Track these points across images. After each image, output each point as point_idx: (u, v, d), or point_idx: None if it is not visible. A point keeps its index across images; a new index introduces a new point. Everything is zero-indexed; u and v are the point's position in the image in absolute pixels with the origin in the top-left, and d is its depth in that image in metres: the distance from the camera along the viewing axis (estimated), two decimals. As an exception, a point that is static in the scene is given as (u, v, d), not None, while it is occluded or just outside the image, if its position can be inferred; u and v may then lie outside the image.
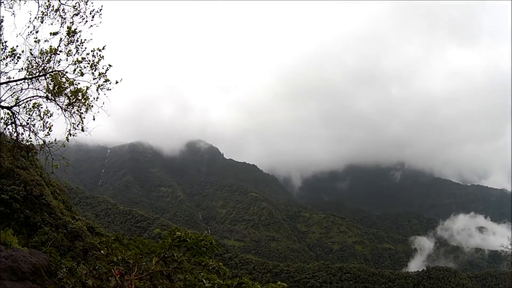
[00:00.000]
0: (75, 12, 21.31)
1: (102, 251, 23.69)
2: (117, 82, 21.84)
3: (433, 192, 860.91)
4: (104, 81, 21.70)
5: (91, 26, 21.50)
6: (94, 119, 22.10)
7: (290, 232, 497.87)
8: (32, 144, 22.81)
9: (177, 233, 21.02)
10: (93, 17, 21.33)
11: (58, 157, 21.94)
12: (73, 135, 22.40)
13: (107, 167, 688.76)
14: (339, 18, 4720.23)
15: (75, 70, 21.42)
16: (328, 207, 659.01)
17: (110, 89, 21.78)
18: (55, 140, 22.53)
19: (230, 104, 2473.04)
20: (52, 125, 22.30)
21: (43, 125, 22.27)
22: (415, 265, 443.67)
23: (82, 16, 21.44)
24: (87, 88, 22.18)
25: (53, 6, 21.41)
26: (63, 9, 21.37)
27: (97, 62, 21.43)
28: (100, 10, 21.52)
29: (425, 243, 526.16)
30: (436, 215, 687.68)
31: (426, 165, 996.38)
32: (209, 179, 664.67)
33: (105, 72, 21.56)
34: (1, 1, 21.29)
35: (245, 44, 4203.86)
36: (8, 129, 22.58)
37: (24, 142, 22.70)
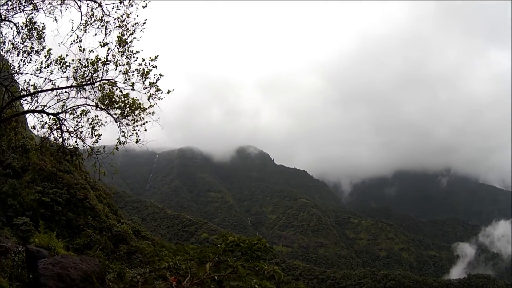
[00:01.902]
0: (118, 24, 21.44)
1: (151, 257, 23.56)
2: (169, 92, 21.81)
3: (477, 198, 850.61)
4: (155, 91, 21.49)
5: (134, 38, 21.59)
6: (146, 130, 22.34)
7: (338, 239, 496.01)
8: (77, 148, 23.13)
9: (230, 237, 20.59)
10: (134, 30, 21.19)
11: (106, 163, 21.66)
12: (123, 144, 22.49)
13: (155, 172, 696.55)
14: (380, 19, 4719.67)
15: (125, 79, 21.48)
16: (377, 214, 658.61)
17: (161, 99, 21.82)
18: (104, 148, 22.70)
19: (280, 108, 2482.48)
20: (101, 134, 22.61)
21: (91, 132, 22.46)
22: (457, 272, 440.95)
23: (126, 28, 21.38)
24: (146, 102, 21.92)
25: (96, 16, 21.64)
26: (107, 21, 21.56)
27: (148, 72, 21.38)
28: (144, 23, 21.29)
29: (467, 250, 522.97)
30: (480, 221, 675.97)
31: (472, 170, 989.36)
32: (259, 184, 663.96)
33: (156, 82, 21.49)
34: (38, 7, 21.26)
35: (293, 47, 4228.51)
36: (53, 134, 22.82)
37: (69, 147, 22.96)
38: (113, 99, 21.61)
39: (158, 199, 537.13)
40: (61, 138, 22.69)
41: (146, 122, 22.17)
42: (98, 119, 22.41)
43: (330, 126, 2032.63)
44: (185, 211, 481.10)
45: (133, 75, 21.41)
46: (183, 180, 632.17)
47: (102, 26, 21.40)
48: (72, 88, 21.87)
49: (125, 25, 21.24)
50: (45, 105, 21.87)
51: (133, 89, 21.59)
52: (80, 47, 21.41)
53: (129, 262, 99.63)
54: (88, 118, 22.43)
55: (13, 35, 22.16)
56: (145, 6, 20.84)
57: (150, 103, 21.58)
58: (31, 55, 22.08)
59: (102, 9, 21.19)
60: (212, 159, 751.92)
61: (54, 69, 21.79)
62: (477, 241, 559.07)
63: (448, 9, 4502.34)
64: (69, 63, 21.59)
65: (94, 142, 22.34)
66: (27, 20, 21.80)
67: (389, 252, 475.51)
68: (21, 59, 22.09)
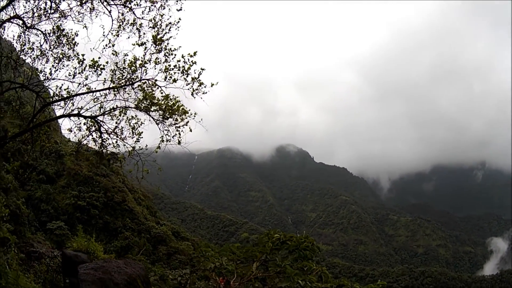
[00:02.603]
0: (152, 25, 21.12)
1: (196, 258, 23.24)
2: (212, 85, 21.32)
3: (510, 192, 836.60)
4: (198, 85, 21.21)
5: (170, 37, 21.16)
6: (191, 130, 21.80)
7: (377, 236, 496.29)
8: (114, 152, 22.89)
9: (276, 235, 20.70)
10: (169, 29, 20.97)
11: (148, 163, 21.74)
12: (166, 144, 22.11)
13: (195, 173, 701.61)
14: (412, 14, 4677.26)
15: (166, 77, 21.15)
16: (415, 210, 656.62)
17: (205, 93, 21.35)
18: (146, 146, 22.29)
19: (317, 106, 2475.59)
20: (142, 132, 22.24)
21: (132, 132, 22.16)
22: (490, 267, 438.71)
23: (161, 28, 21.18)
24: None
25: (127, 20, 21.39)
26: (140, 24, 21.27)
27: (189, 68, 21.03)
28: (178, 22, 21.09)
29: (500, 245, 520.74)
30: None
31: (506, 163, 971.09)
32: (300, 183, 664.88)
33: (198, 77, 21.08)
34: (66, 15, 21.30)
35: (328, 45, 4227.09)
36: (92, 135, 22.57)
37: (110, 148, 22.70)
38: (154, 101, 21.39)
39: (197, 200, 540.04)
40: (100, 139, 22.53)
41: (188, 122, 21.75)
42: (138, 119, 22.23)
43: (368, 123, 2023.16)
44: (225, 211, 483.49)
45: (174, 73, 21.12)
46: (223, 180, 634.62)
47: (136, 29, 21.22)
48: (109, 90, 21.71)
49: (159, 26, 20.97)
50: (81, 108, 21.78)
51: (175, 82, 21.13)
52: (114, 51, 21.18)
53: (168, 264, 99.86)
54: (128, 118, 22.30)
55: (40, 42, 22.20)
56: (180, 9, 20.69)
57: (194, 97, 21.27)
58: (63, 61, 21.91)
59: (133, 12, 21.12)
60: (252, 158, 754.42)
61: (89, 74, 21.59)
62: (510, 236, 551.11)
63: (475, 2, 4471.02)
64: (103, 65, 21.33)
65: (135, 142, 22.10)
66: (55, 27, 21.78)
67: (427, 249, 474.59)
68: (52, 65, 21.90)
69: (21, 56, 22.73)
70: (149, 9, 20.91)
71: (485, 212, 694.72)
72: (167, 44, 20.84)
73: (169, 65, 21.06)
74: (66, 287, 23.95)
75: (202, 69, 20.95)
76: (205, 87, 21.06)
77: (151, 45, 20.88)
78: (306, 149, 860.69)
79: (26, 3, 20.95)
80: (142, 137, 22.02)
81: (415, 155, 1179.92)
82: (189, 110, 21.69)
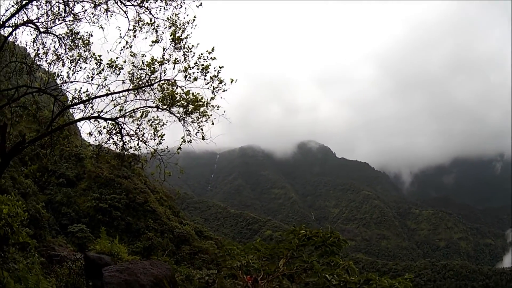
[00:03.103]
0: (169, 25, 20.95)
1: (221, 257, 23.10)
2: (232, 81, 21.08)
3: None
4: (218, 83, 21.04)
5: (187, 36, 20.92)
6: (213, 123, 21.49)
7: (400, 230, 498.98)
8: (135, 154, 22.86)
9: (302, 231, 20.61)
10: (185, 28, 20.83)
11: (170, 164, 21.59)
12: (189, 142, 21.96)
13: (217, 172, 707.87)
14: (427, 6, 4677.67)
15: (186, 77, 20.98)
16: (437, 203, 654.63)
17: (226, 90, 21.16)
18: (167, 148, 22.09)
19: (337, 101, 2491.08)
20: (164, 134, 21.97)
21: (154, 134, 21.98)
22: (509, 259, 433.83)
23: (177, 27, 20.96)
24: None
25: (144, 20, 21.19)
26: (157, 25, 21.09)
27: (208, 66, 20.80)
28: (194, 20, 20.90)
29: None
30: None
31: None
32: (322, 179, 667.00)
33: (218, 74, 20.84)
34: (80, 17, 21.28)
35: (345, 41, 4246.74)
36: (112, 138, 22.50)
37: (131, 150, 22.67)
38: (175, 98, 21.21)
39: (220, 198, 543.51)
40: (121, 142, 22.49)
41: (210, 115, 21.52)
42: (160, 119, 22.06)
43: (388, 117, 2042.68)
44: (249, 209, 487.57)
45: (193, 73, 20.94)
46: (245, 178, 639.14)
47: (153, 29, 21.06)
48: (129, 92, 21.61)
49: (176, 25, 20.76)
50: (101, 111, 21.71)
51: (195, 80, 20.84)
52: (132, 52, 21.07)
53: (192, 263, 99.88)
54: (149, 120, 22.15)
55: (55, 46, 22.14)
56: (200, 5, 20.53)
57: (214, 95, 21.02)
58: (80, 63, 21.82)
59: (150, 12, 20.96)
60: (274, 156, 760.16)
61: (107, 75, 21.47)
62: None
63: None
64: (121, 65, 21.24)
65: (157, 143, 21.87)
66: (69, 30, 21.71)
67: (448, 242, 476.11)
68: (69, 68, 21.82)
69: (35, 61, 22.70)
70: (165, 8, 20.87)
71: (504, 203, 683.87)
72: (186, 42, 20.70)
73: (189, 64, 20.84)
74: (90, 289, 23.98)
75: (221, 67, 20.68)
76: (225, 84, 20.87)
77: (170, 44, 20.70)
78: (328, 144, 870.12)
79: (38, 8, 20.90)
80: (164, 139, 21.91)
81: (435, 148, 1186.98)
82: (210, 101, 21.44)
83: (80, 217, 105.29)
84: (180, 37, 20.52)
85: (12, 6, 19.85)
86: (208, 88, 20.91)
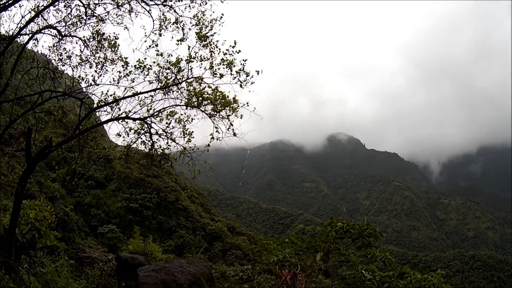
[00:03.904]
0: (195, 23, 20.69)
1: (257, 252, 22.88)
2: (258, 73, 20.65)
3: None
4: (245, 76, 20.78)
5: (214, 33, 20.66)
6: (241, 117, 21.05)
7: (430, 220, 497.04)
8: (165, 153, 22.61)
9: (339, 224, 20.46)
10: (212, 26, 20.66)
11: (200, 162, 21.47)
12: (217, 139, 21.54)
13: (248, 168, 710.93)
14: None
15: (213, 73, 20.81)
16: (465, 192, 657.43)
17: (253, 83, 20.79)
18: (195, 146, 21.74)
19: (365, 93, 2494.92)
20: (193, 132, 21.73)
21: (183, 132, 21.77)
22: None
23: (204, 25, 20.78)
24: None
25: (169, 19, 20.99)
26: (183, 24, 20.84)
27: (233, 60, 20.49)
28: (221, 18, 20.77)
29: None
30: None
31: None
32: (352, 171, 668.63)
33: (243, 68, 20.55)
34: (104, 19, 21.22)
35: (369, 32, 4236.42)
36: (141, 138, 22.33)
37: (160, 149, 22.41)
38: (204, 96, 21.00)
39: (252, 194, 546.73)
40: (150, 142, 22.26)
41: (237, 110, 20.98)
42: (188, 116, 21.73)
43: (415, 106, 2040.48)
44: (280, 203, 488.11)
45: (219, 68, 20.63)
46: (276, 173, 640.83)
47: (177, 27, 20.77)
48: (157, 91, 21.42)
49: (202, 22, 20.46)
50: (129, 111, 21.51)
51: (222, 77, 20.61)
52: (157, 51, 20.80)
53: (224, 259, 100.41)
54: (178, 118, 21.85)
55: (80, 49, 22.14)
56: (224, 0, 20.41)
57: (242, 88, 20.71)
58: (106, 66, 21.58)
59: (175, 11, 20.69)
60: (304, 149, 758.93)
61: (135, 77, 21.27)
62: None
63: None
64: (150, 65, 21.06)
65: (186, 141, 21.61)
66: (94, 32, 21.71)
67: (476, 232, 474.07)
68: (95, 71, 21.55)
69: (58, 65, 22.68)
70: (189, 6, 20.65)
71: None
72: (212, 39, 20.49)
73: (213, 62, 20.48)
74: (122, 290, 23.88)
75: (245, 60, 20.31)
76: (252, 77, 20.60)
77: (196, 42, 20.52)
78: (357, 136, 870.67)
79: (57, 12, 20.85)
80: (193, 137, 21.68)
81: (462, 136, 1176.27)
82: (238, 100, 21.20)
83: (110, 218, 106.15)
84: (206, 35, 20.39)
85: (29, 12, 19.87)
86: (236, 83, 20.72)
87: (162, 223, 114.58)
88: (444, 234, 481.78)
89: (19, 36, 20.09)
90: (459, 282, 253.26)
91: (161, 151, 22.34)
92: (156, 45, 20.71)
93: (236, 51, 20.24)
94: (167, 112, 21.68)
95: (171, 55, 20.76)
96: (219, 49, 20.47)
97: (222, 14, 20.38)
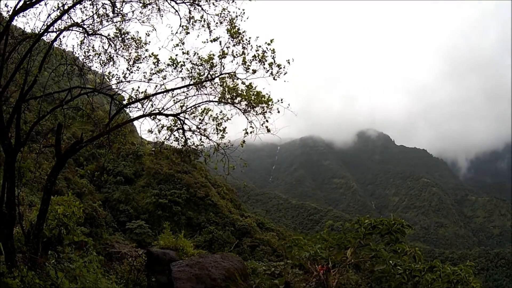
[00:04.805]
0: (220, 21, 20.61)
1: (288, 248, 23.01)
2: (288, 62, 20.30)
3: None
4: (277, 69, 20.45)
5: (244, 31, 20.16)
6: (278, 111, 20.73)
7: (457, 217, 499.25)
8: (195, 149, 22.61)
9: (366, 221, 20.58)
10: (235, 24, 20.44)
11: (233, 158, 21.44)
12: (251, 133, 21.34)
13: (278, 164, 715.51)
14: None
15: (246, 69, 20.53)
16: (492, 190, 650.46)
17: (286, 73, 20.48)
18: (229, 141, 21.73)
19: (393, 88, 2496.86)
20: (226, 127, 21.68)
21: (216, 128, 21.73)
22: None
23: (229, 22, 20.69)
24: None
25: (194, 18, 20.81)
26: (208, 24, 20.72)
27: (264, 54, 20.16)
28: (242, 13, 20.67)
29: None
30: None
31: None
32: (382, 167, 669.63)
33: (274, 61, 20.24)
34: (130, 18, 21.22)
35: (398, 25, 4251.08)
36: (174, 135, 22.32)
37: (193, 146, 22.49)
38: (238, 92, 20.86)
39: (282, 190, 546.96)
40: (183, 138, 22.22)
41: (272, 108, 20.69)
42: (223, 114, 21.56)
43: (444, 102, 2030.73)
44: (310, 199, 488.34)
45: (251, 63, 20.30)
46: (306, 169, 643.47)
47: (203, 26, 20.63)
48: (190, 87, 21.32)
49: (227, 19, 20.29)
50: (162, 108, 21.53)
51: (254, 72, 20.47)
52: (183, 49, 20.69)
53: (253, 255, 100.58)
54: (211, 115, 21.75)
55: (104, 47, 22.28)
56: None
57: (275, 79, 20.39)
58: (137, 63, 21.53)
59: (202, 9, 20.70)
60: (334, 145, 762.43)
61: (167, 74, 21.13)
62: None
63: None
64: (184, 62, 20.87)
65: (220, 137, 21.54)
66: (118, 30, 21.82)
67: (502, 229, 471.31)
68: (127, 68, 21.53)
69: (86, 63, 22.77)
70: (214, 4, 20.47)
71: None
72: (244, 35, 20.42)
73: (245, 58, 20.14)
74: (153, 286, 23.95)
75: (274, 51, 20.20)
76: (284, 67, 20.28)
77: (228, 39, 20.34)
78: (387, 132, 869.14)
79: (83, 11, 20.91)
80: (227, 133, 21.62)
81: (489, 132, 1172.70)
82: (271, 97, 21.09)
83: (139, 213, 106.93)
84: (239, 31, 20.27)
85: (54, 10, 19.92)
86: (269, 76, 20.47)
87: (191, 218, 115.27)
88: (471, 232, 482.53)
89: (45, 34, 20.20)
90: (484, 280, 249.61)
91: (195, 147, 22.46)
92: (183, 43, 20.69)
93: (271, 50, 20.24)
94: (201, 108, 21.70)
95: (197, 53, 20.78)
96: (251, 45, 20.27)
97: (243, 10, 20.36)
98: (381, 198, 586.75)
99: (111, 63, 21.88)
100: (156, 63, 21.11)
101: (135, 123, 22.65)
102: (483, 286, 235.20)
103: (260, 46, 20.05)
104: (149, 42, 21.62)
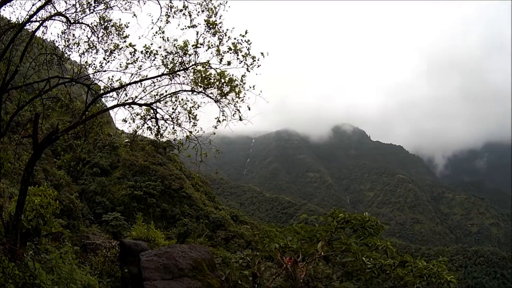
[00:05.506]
0: (201, 9, 20.61)
1: (260, 239, 23.04)
2: (262, 54, 20.52)
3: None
4: (252, 60, 20.68)
5: (222, 22, 20.57)
6: (249, 108, 21.03)
7: (433, 214, 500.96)
8: (170, 140, 22.77)
9: (340, 214, 21.23)
10: (216, 13, 20.57)
11: (205, 147, 21.48)
12: (223, 121, 21.51)
13: (252, 157, 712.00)
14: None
15: (221, 60, 20.73)
16: (470, 187, 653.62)
17: (259, 66, 20.74)
18: (201, 129, 21.85)
19: (371, 85, 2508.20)
20: (196, 115, 21.84)
21: (188, 117, 21.85)
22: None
23: (211, 10, 20.64)
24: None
25: (176, 7, 20.87)
26: (190, 11, 20.62)
27: (237, 46, 20.39)
28: (225, 2, 20.59)
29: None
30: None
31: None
32: (357, 162, 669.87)
33: (249, 52, 20.48)
34: (112, 6, 21.14)
35: (379, 21, 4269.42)
36: (147, 124, 22.45)
37: (166, 134, 22.49)
38: (210, 79, 21.06)
39: (256, 183, 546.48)
40: (156, 127, 22.40)
41: (242, 92, 20.94)
42: (194, 102, 21.83)
43: (422, 99, 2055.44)
44: (284, 193, 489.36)
45: (224, 53, 20.46)
46: (281, 162, 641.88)
47: (184, 14, 20.58)
48: (163, 77, 21.48)
49: (209, 8, 20.41)
50: (136, 97, 21.58)
51: (229, 64, 20.48)
52: (163, 38, 20.85)
53: (227, 248, 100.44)
54: (184, 102, 21.91)
55: (87, 36, 22.14)
56: None
57: (249, 71, 20.56)
58: (114, 53, 21.67)
59: None
60: (309, 139, 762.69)
61: (142, 64, 21.31)
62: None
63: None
64: (156, 51, 21.05)
65: (192, 126, 21.70)
66: (101, 18, 21.52)
67: (480, 227, 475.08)
68: (104, 58, 21.68)
69: (65, 52, 22.68)
70: None
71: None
72: (221, 26, 20.37)
73: (219, 47, 20.50)
74: (125, 276, 23.96)
75: (249, 42, 20.31)
76: (258, 59, 20.52)
77: (204, 29, 20.55)
78: (363, 128, 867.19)
79: (66, 1, 20.78)
80: (198, 119, 21.82)
81: (467, 131, 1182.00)
82: (245, 82, 21.22)
83: (115, 205, 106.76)
84: (215, 22, 20.40)
85: (39, 0, 19.85)
86: (242, 67, 20.65)
87: (166, 210, 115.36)
88: (448, 229, 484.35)
89: (29, 23, 20.13)
90: (462, 277, 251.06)
91: (167, 136, 22.44)
92: (163, 32, 20.84)
93: (246, 41, 20.27)
94: (174, 97, 21.90)
95: (176, 40, 20.81)
96: (228, 37, 20.49)
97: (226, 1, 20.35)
98: (356, 193, 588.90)
99: (94, 51, 21.89)
100: (133, 53, 21.27)
101: (111, 113, 22.56)
102: (461, 283, 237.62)
103: (235, 39, 20.35)
104: (128, 34, 21.69)
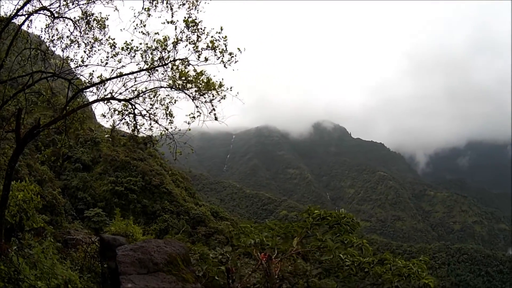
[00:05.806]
0: (182, 2, 20.67)
1: (236, 235, 23.06)
2: (239, 50, 20.69)
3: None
4: (229, 57, 20.78)
5: (201, 21, 20.55)
6: (224, 98, 21.25)
7: (415, 212, 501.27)
8: (150, 136, 22.73)
9: (316, 211, 20.88)
10: (196, 7, 20.62)
11: (182, 144, 21.53)
12: (196, 117, 21.68)
13: (233, 153, 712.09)
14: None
15: (199, 57, 20.83)
16: (452, 185, 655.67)
17: (237, 61, 20.90)
18: (175, 127, 21.92)
19: (353, 81, 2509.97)
20: (172, 110, 21.99)
21: (166, 113, 22.01)
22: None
23: (192, 3, 20.61)
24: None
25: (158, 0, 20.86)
26: (171, 6, 20.68)
27: (214, 43, 20.51)
28: None
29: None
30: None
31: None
32: (338, 159, 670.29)
33: (226, 48, 20.67)
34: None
35: (363, 18, 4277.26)
36: (125, 119, 22.41)
37: (143, 130, 22.48)
38: (188, 78, 21.12)
39: (236, 179, 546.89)
40: (134, 122, 22.28)
41: (224, 96, 21.30)
42: (171, 97, 21.96)
43: (404, 97, 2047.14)
44: (264, 189, 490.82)
45: (203, 51, 20.59)
46: (261, 158, 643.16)
47: (166, 7, 20.67)
48: (142, 72, 21.45)
49: (190, 2, 20.52)
50: (115, 92, 21.54)
51: (207, 60, 20.70)
52: (144, 31, 20.81)
53: (208, 244, 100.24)
54: (161, 98, 22.06)
55: (70, 30, 21.98)
56: None
57: (226, 67, 20.78)
58: (95, 47, 21.76)
59: None
60: (290, 136, 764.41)
61: (122, 58, 21.29)
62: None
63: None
64: (137, 47, 21.07)
65: (169, 122, 21.86)
66: (83, 13, 21.61)
67: (463, 225, 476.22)
68: (84, 51, 21.75)
69: (50, 47, 22.66)
70: None
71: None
72: (199, 24, 20.48)
73: (196, 43, 20.71)
74: (104, 272, 24.00)
75: (225, 38, 20.55)
76: (235, 56, 20.70)
77: (184, 27, 20.59)
78: (343, 125, 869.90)
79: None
80: (174, 117, 22.00)
81: (450, 129, 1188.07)
82: (223, 84, 21.21)
83: (96, 201, 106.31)
84: (195, 21, 20.47)
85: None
86: (219, 63, 20.83)
87: (146, 206, 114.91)
88: (429, 226, 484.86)
89: (16, 17, 20.10)
90: (445, 274, 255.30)
91: (144, 132, 22.49)
92: (144, 26, 20.83)
93: (223, 37, 20.46)
94: (153, 93, 22.04)
95: (158, 33, 20.85)
96: (207, 34, 20.60)
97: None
98: (336, 190, 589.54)
99: (76, 45, 21.89)
100: (112, 47, 21.44)
101: (92, 108, 22.65)
102: (445, 280, 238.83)
103: (212, 37, 20.53)
104: (108, 26, 21.70)
